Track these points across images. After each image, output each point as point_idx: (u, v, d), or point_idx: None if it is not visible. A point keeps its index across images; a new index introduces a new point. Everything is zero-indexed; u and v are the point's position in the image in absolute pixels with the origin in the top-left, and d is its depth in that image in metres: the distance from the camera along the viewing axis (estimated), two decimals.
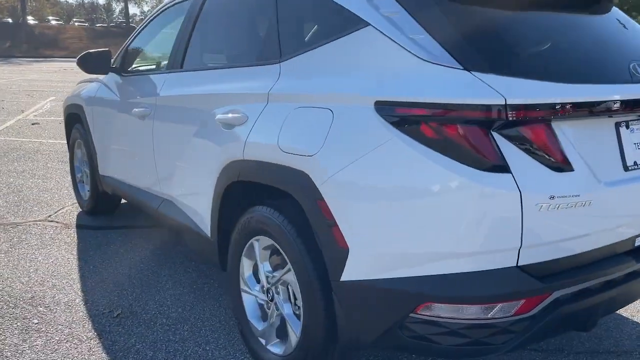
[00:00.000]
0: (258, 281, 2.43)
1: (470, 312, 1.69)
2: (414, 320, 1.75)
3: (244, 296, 2.49)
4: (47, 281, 3.28)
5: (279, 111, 2.13)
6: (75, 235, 4.06)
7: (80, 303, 3.02)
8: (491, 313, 1.69)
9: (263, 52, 2.45)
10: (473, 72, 1.66)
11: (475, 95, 1.62)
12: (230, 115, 2.39)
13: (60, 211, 4.62)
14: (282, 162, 2.05)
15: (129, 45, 3.78)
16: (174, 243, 3.91)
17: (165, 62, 3.33)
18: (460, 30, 1.77)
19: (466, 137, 1.63)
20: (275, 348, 2.30)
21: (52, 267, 3.49)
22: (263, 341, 2.36)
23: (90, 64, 3.67)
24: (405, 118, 1.71)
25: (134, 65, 3.76)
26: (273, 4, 2.40)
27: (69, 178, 5.31)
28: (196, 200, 2.78)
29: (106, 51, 3.73)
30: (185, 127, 2.81)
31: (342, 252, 1.85)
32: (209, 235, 2.67)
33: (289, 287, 2.22)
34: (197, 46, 3.01)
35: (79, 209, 4.65)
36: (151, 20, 3.60)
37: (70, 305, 2.99)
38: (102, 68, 3.71)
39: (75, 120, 4.48)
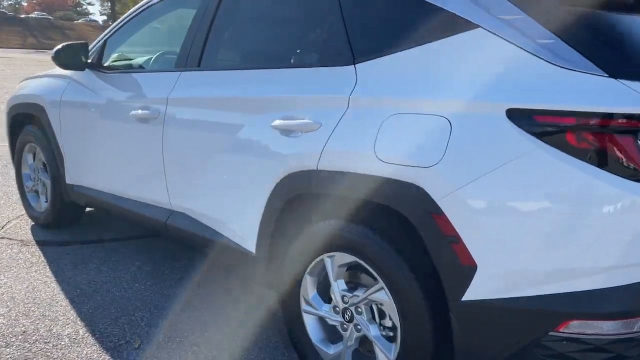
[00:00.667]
0: (326, 300, 2.24)
1: (616, 327, 1.65)
2: (554, 338, 1.68)
3: (307, 318, 2.29)
4: (33, 311, 2.83)
5: (369, 117, 1.96)
6: (41, 254, 3.56)
7: (86, 335, 2.63)
8: (637, 326, 1.65)
9: (325, 52, 2.24)
10: (620, 80, 1.60)
11: (627, 104, 1.57)
12: (292, 121, 2.17)
13: (7, 226, 4.04)
14: (382, 173, 1.88)
15: (108, 38, 3.35)
16: (162, 257, 3.55)
17: (170, 58, 2.99)
18: (596, 36, 1.71)
19: (618, 147, 1.57)
20: None
21: (30, 293, 3.02)
22: None
23: (67, 58, 3.22)
24: (548, 127, 1.62)
25: (119, 62, 3.34)
26: (335, 2, 2.21)
27: (9, 187, 4.69)
28: (232, 213, 2.52)
29: (84, 44, 3.29)
30: (215, 133, 2.53)
31: (466, 270, 1.73)
32: (252, 250, 2.43)
33: (374, 306, 2.06)
34: (224, 42, 2.73)
35: (30, 222, 4.10)
36: (142, 10, 3.20)
37: (75, 339, 2.59)
38: (78, 64, 3.27)
39: (24, 122, 3.93)
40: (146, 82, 3.01)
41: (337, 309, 2.18)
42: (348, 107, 2.03)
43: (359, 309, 2.09)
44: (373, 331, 2.06)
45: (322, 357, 2.24)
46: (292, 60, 2.41)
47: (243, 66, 2.68)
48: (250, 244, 2.44)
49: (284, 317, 2.40)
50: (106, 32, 3.38)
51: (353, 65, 2.08)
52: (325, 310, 2.22)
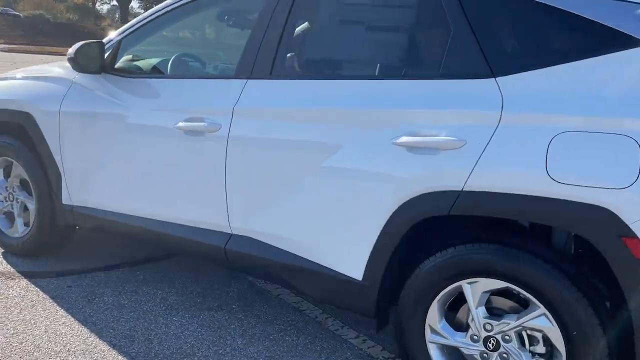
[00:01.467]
0: (458, 329, 2.10)
1: None
2: None
3: (432, 348, 2.13)
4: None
5: (530, 135, 1.84)
6: (37, 289, 3.02)
7: None
8: None
9: (450, 63, 2.08)
10: None
11: None
12: (424, 138, 2.00)
13: None
14: (557, 194, 1.78)
15: (125, 38, 2.91)
16: (183, 282, 3.17)
17: (220, 64, 2.68)
18: None
19: None
20: None
21: (55, 338, 2.54)
22: None
23: (84, 60, 2.75)
24: None
25: (142, 65, 2.92)
26: (459, 10, 2.07)
27: None
28: (329, 238, 2.28)
29: (101, 43, 2.83)
30: (307, 150, 2.27)
31: None
32: (357, 277, 2.22)
33: (524, 333, 1.96)
34: (311, 48, 2.46)
35: None
36: (172, 9, 2.80)
37: None
38: (96, 66, 2.80)
39: None
40: (191, 89, 2.65)
41: (475, 337, 2.05)
42: (499, 123, 1.90)
43: (507, 337, 1.98)
44: (526, 358, 1.96)
45: None
46: (410, 71, 2.23)
47: (342, 76, 2.43)
48: (353, 271, 2.23)
49: (402, 348, 2.22)
50: (122, 30, 2.94)
51: (494, 79, 1.96)
52: (459, 339, 2.08)
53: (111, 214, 2.95)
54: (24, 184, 3.35)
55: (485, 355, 2.03)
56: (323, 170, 2.23)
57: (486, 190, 1.90)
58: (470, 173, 1.91)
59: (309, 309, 2.95)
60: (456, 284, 2.03)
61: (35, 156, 3.16)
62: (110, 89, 2.86)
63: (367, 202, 2.15)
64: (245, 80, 2.48)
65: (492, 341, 2.01)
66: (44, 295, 2.95)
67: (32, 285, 3.06)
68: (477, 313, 2.02)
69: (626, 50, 1.80)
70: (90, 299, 2.94)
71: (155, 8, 2.86)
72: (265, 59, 2.44)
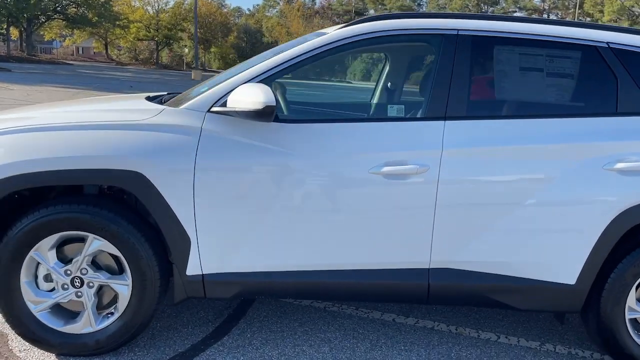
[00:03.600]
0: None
1: None
2: None
3: (629, 323, 2.77)
4: None
5: None
6: None
7: None
8: None
9: (624, 104, 2.74)
10: None
11: None
12: (632, 163, 2.63)
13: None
14: None
15: (274, 79, 2.63)
16: (341, 337, 2.99)
17: (394, 106, 2.71)
18: None
19: None
20: None
21: None
22: None
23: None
24: None
25: (296, 108, 2.67)
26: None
27: None
28: (540, 256, 2.69)
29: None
30: (517, 182, 2.64)
31: None
32: (570, 282, 2.70)
33: None
34: (497, 91, 2.73)
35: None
36: (323, 50, 2.66)
37: None
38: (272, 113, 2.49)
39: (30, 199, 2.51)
40: (381, 133, 2.64)
41: None
42: None
43: None
44: None
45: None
46: (594, 109, 2.78)
47: (539, 115, 2.78)
48: (567, 277, 2.70)
49: (601, 326, 2.76)
50: (266, 70, 2.63)
51: None
52: None
53: (263, 274, 2.65)
54: (99, 263, 2.62)
55: None
56: (538, 199, 2.63)
57: None
58: None
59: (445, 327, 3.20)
60: None
61: (135, 226, 2.54)
62: (270, 136, 2.57)
63: (583, 221, 2.65)
64: (443, 122, 2.65)
65: None
66: None
67: None
68: None
69: None
70: None
71: (303, 47, 2.68)
72: (459, 101, 2.67)
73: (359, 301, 3.32)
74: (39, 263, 2.59)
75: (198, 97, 2.66)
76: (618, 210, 2.64)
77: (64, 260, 2.61)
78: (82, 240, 2.58)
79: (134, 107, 2.84)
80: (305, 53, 2.69)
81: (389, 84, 3.15)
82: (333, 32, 2.75)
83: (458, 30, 2.75)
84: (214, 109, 2.59)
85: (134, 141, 2.54)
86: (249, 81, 2.61)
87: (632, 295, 2.77)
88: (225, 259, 2.62)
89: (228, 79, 2.72)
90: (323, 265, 2.67)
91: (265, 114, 2.41)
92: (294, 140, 2.60)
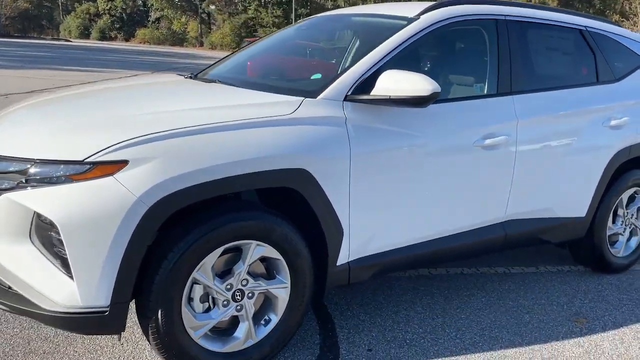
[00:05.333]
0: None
1: None
2: None
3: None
4: None
5: None
6: None
7: None
8: None
9: (601, 76, 3.59)
10: None
11: None
12: (617, 120, 3.52)
13: None
14: None
15: (385, 63, 2.67)
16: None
17: (482, 84, 3.08)
18: None
19: None
20: None
21: None
22: None
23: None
24: None
25: None
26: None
27: None
28: (569, 195, 3.42)
29: None
30: (559, 140, 3.30)
31: None
32: (582, 214, 3.52)
33: None
34: (540, 68, 3.25)
35: None
36: (420, 35, 2.80)
37: None
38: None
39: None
40: (476, 110, 2.96)
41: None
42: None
43: None
44: None
45: None
46: (588, 80, 3.54)
47: (570, 85, 3.39)
48: (581, 211, 3.51)
49: (594, 246, 3.67)
50: (383, 56, 2.67)
51: (617, 82, 3.66)
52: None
53: (397, 251, 2.81)
54: (253, 271, 2.41)
55: None
56: (569, 151, 3.35)
57: None
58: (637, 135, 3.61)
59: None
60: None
61: (294, 226, 2.43)
62: (397, 120, 2.68)
63: (594, 165, 3.48)
64: (511, 97, 3.12)
65: None
66: None
67: None
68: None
69: None
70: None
71: (408, 31, 2.80)
72: (518, 77, 3.17)
73: (456, 260, 3.56)
74: (194, 284, 2.28)
75: (332, 87, 2.59)
76: (612, 154, 3.53)
77: (219, 275, 2.35)
78: (236, 250, 2.36)
79: (258, 100, 2.58)
80: (410, 37, 2.84)
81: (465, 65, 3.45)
82: (428, 15, 2.94)
83: (505, 16, 3.22)
84: (352, 96, 2.58)
85: (293, 137, 2.40)
86: (375, 68, 2.66)
87: (610, 218, 3.73)
88: (369, 242, 2.70)
89: (344, 65, 2.70)
90: (444, 232, 2.97)
91: (428, 100, 2.52)
92: (424, 122, 2.77)
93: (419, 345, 2.78)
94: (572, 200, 3.51)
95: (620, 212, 3.81)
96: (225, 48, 57.89)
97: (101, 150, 2.07)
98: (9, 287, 2.18)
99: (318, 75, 2.88)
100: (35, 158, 2.10)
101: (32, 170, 2.09)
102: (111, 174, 2.05)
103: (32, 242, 2.13)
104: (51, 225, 2.07)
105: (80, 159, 2.06)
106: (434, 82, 2.50)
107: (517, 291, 3.50)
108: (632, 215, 3.90)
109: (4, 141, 2.28)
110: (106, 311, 2.09)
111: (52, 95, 3.13)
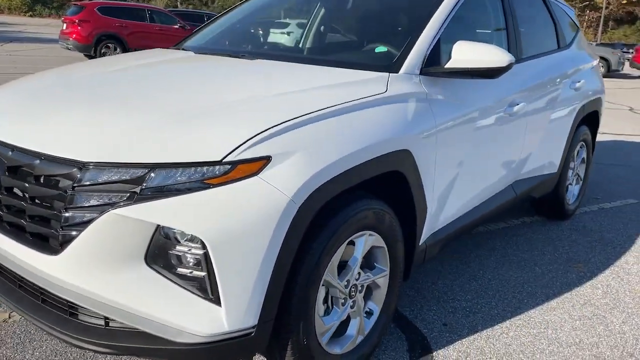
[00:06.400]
0: None
1: None
2: None
3: None
4: None
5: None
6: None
7: None
8: None
9: (561, 43, 3.92)
10: None
11: None
12: (579, 83, 3.90)
13: None
14: None
15: (443, 33, 2.59)
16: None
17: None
18: None
19: None
20: None
21: None
22: None
23: None
24: None
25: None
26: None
27: None
28: (550, 153, 3.73)
29: None
30: (547, 101, 3.56)
31: None
32: (555, 171, 3.88)
33: None
34: (530, 35, 3.45)
35: None
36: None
37: None
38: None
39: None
40: (504, 80, 3.03)
41: None
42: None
43: None
44: None
45: None
46: (556, 47, 3.82)
47: (543, 53, 3.58)
48: (555, 168, 3.87)
49: (558, 199, 4.07)
50: (435, 25, 2.58)
51: (568, 48, 4.06)
52: None
53: (457, 221, 2.83)
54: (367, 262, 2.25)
55: None
56: (555, 113, 3.65)
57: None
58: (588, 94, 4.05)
59: None
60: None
61: (395, 210, 2.31)
62: (458, 91, 2.66)
63: (566, 124, 3.84)
64: (520, 64, 3.27)
65: None
66: None
67: None
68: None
69: None
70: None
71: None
72: (519, 47, 3.33)
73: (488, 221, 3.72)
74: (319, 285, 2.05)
75: (409, 61, 2.45)
76: (575, 113, 3.92)
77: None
78: (350, 243, 2.17)
79: (344, 78, 2.31)
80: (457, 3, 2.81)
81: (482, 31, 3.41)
82: None
83: None
84: (427, 69, 2.48)
85: (395, 117, 2.24)
86: (437, 39, 2.58)
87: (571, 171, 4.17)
88: (439, 216, 2.66)
89: (410, 35, 2.56)
90: (488, 196, 3.10)
91: (504, 71, 2.51)
92: (476, 92, 2.78)
93: (481, 312, 2.87)
94: (552, 158, 3.83)
95: (571, 164, 4.27)
96: (14, 12, 50.81)
97: (240, 146, 1.72)
98: (124, 327, 1.75)
99: (383, 48, 2.70)
100: (155, 162, 1.69)
101: (152, 177, 1.68)
102: (256, 173, 1.73)
103: (148, 265, 1.73)
104: (176, 240, 1.70)
105: (218, 158, 1.70)
106: (509, 53, 2.51)
107: (511, 246, 3.77)
108: (577, 166, 4.40)
109: (82, 143, 1.78)
110: (252, 332, 1.79)
111: (62, 77, 2.53)
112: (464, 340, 2.60)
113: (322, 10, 3.51)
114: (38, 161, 1.79)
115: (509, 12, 3.30)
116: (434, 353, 2.49)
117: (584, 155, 4.46)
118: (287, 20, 3.69)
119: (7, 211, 1.91)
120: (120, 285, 1.71)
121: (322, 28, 3.41)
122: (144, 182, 1.68)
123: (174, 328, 1.71)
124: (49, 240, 1.80)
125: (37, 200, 1.81)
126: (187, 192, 1.68)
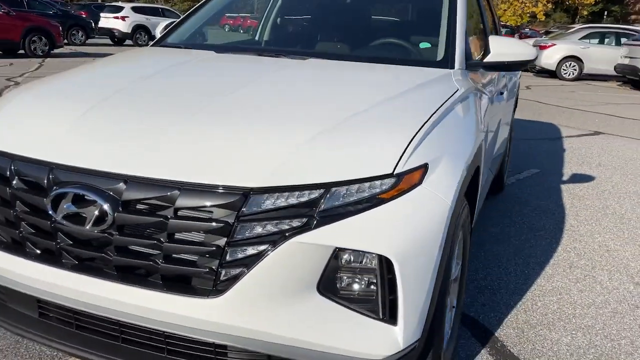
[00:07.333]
0: None
1: None
2: None
3: None
4: None
5: None
6: None
7: None
8: None
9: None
10: None
11: None
12: None
13: None
14: None
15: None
16: None
17: None
18: None
19: None
20: None
21: None
22: None
23: None
24: None
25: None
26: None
27: None
28: (504, 132, 4.07)
29: None
30: (509, 90, 3.88)
31: None
32: (504, 150, 4.25)
33: None
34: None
35: None
36: None
37: None
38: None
39: None
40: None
41: None
42: None
43: None
44: None
45: None
46: None
47: None
48: (504, 146, 4.23)
49: None
50: (462, 19, 2.64)
51: None
52: None
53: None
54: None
55: None
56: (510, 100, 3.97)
57: None
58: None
59: None
60: None
61: None
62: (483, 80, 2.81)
63: (510, 108, 4.18)
64: None
65: None
66: None
67: None
68: None
69: None
70: None
71: None
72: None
73: None
74: None
75: (459, 56, 2.51)
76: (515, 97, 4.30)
77: None
78: None
79: (413, 76, 2.24)
80: None
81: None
82: None
83: None
84: (469, 63, 2.55)
85: (471, 114, 2.29)
86: (465, 33, 2.66)
87: None
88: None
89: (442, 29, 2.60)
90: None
91: (530, 63, 2.67)
92: (487, 81, 2.93)
93: (502, 288, 3.07)
94: (505, 135, 4.18)
95: None
96: None
97: (402, 156, 1.64)
98: None
99: (426, 44, 2.69)
100: (330, 181, 1.54)
101: (328, 198, 1.53)
102: (419, 182, 1.67)
103: (321, 292, 1.58)
104: (352, 262, 1.59)
105: (390, 171, 1.60)
106: (532, 46, 2.69)
107: (485, 221, 4.04)
108: None
109: (239, 165, 1.55)
110: (416, 344, 1.74)
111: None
112: (509, 316, 2.77)
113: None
114: (177, 192, 1.52)
115: (482, 9, 3.50)
116: (495, 334, 2.62)
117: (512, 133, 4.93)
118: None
119: (118, 254, 1.59)
120: (291, 318, 1.55)
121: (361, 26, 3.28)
122: (320, 204, 1.52)
123: (345, 356, 1.60)
124: (193, 281, 1.55)
125: (177, 237, 1.54)
126: (364, 210, 1.56)
